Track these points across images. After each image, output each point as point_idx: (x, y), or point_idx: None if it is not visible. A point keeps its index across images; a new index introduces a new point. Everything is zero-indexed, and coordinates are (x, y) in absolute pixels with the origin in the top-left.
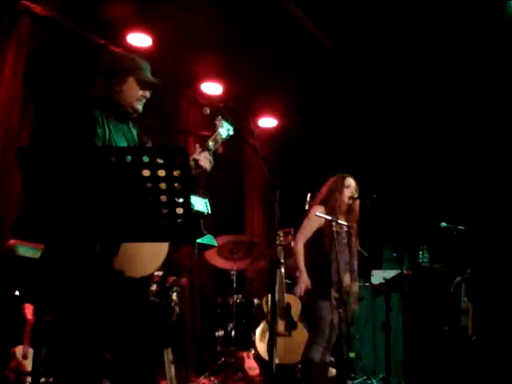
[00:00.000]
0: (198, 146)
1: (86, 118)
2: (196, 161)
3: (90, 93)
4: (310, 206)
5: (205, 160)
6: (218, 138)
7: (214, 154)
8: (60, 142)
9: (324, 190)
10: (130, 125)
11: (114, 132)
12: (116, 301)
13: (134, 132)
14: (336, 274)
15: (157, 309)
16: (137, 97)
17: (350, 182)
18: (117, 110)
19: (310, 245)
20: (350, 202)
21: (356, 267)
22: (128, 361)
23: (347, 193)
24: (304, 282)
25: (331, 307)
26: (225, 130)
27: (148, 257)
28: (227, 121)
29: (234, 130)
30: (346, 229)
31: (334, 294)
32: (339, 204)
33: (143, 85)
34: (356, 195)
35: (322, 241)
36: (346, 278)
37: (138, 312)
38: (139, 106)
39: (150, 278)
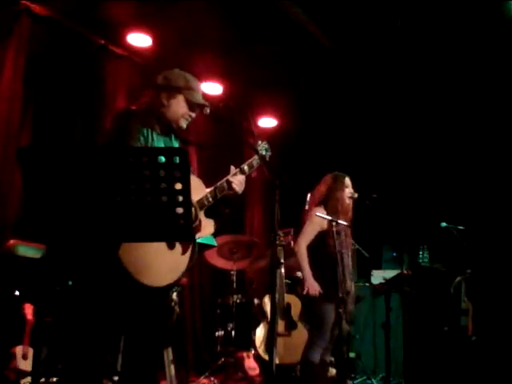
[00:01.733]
0: (233, 167)
1: (131, 127)
2: (229, 183)
3: (138, 103)
4: (309, 207)
5: (238, 183)
6: (254, 163)
7: (249, 176)
8: (105, 145)
9: (323, 189)
10: (173, 137)
11: (156, 143)
12: (118, 302)
13: (176, 144)
14: (341, 276)
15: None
16: (183, 115)
17: (349, 181)
18: (161, 123)
19: (313, 247)
20: (350, 201)
21: (351, 267)
22: (129, 361)
23: (347, 193)
24: (313, 288)
25: (334, 309)
26: (263, 152)
27: (167, 267)
28: (265, 144)
29: (269, 155)
30: (334, 229)
31: (339, 295)
32: (341, 204)
33: (191, 105)
34: (355, 195)
35: (326, 242)
36: (349, 278)
37: (138, 312)
38: (184, 124)
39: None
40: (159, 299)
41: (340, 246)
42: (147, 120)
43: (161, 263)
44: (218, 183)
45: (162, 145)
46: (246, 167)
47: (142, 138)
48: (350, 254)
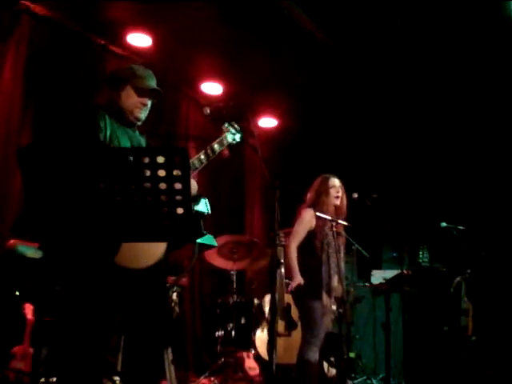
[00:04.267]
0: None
1: (90, 115)
2: None
3: (96, 99)
4: (300, 209)
5: None
6: (224, 141)
7: (219, 157)
8: (63, 137)
9: (311, 193)
10: (137, 133)
11: (118, 132)
12: (118, 300)
13: (143, 141)
14: (327, 276)
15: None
16: (135, 104)
17: (334, 182)
18: (120, 116)
19: (300, 247)
20: (337, 202)
21: (342, 268)
22: (135, 358)
23: (333, 193)
24: (296, 280)
25: (323, 308)
26: (231, 135)
27: (148, 247)
28: (234, 127)
29: (241, 136)
30: (335, 229)
31: (325, 296)
32: (327, 207)
33: (140, 92)
34: (355, 195)
35: (312, 243)
36: (336, 278)
37: (138, 311)
38: (140, 114)
39: (157, 270)
40: (145, 283)
41: (327, 246)
42: (106, 111)
43: (137, 244)
44: None
45: (126, 137)
46: (215, 145)
47: (101, 124)
48: (341, 253)
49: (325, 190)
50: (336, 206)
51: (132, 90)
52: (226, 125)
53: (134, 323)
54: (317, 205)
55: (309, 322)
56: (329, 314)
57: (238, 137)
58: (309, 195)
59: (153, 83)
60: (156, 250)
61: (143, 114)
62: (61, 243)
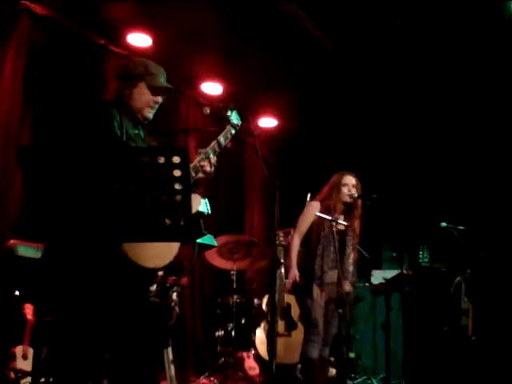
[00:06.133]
0: (199, 150)
1: (105, 114)
2: (202, 166)
3: (105, 95)
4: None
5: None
6: (229, 133)
7: (224, 148)
8: (68, 136)
9: (325, 188)
10: (141, 132)
11: (130, 131)
12: (116, 301)
13: (146, 140)
14: (319, 270)
15: (157, 309)
16: (147, 103)
17: (349, 179)
18: (129, 113)
19: (302, 241)
20: (349, 200)
21: (350, 267)
22: (128, 361)
23: (345, 191)
24: (291, 276)
25: (316, 304)
26: (234, 121)
27: (163, 248)
28: (235, 113)
29: (242, 123)
30: (341, 228)
31: (316, 289)
32: (334, 203)
33: (154, 90)
34: (355, 194)
35: (309, 237)
36: (332, 274)
37: (138, 312)
38: (149, 114)
39: (153, 275)
40: (144, 288)
41: (324, 239)
42: (118, 109)
43: (152, 245)
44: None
45: (134, 135)
46: (221, 138)
47: (116, 124)
48: (347, 252)
49: (337, 186)
50: (349, 205)
51: (146, 87)
52: (229, 112)
53: (129, 325)
54: (326, 200)
55: (306, 320)
56: (318, 307)
57: (239, 121)
58: (322, 190)
59: (164, 80)
60: (169, 253)
61: (151, 114)
62: (61, 243)
